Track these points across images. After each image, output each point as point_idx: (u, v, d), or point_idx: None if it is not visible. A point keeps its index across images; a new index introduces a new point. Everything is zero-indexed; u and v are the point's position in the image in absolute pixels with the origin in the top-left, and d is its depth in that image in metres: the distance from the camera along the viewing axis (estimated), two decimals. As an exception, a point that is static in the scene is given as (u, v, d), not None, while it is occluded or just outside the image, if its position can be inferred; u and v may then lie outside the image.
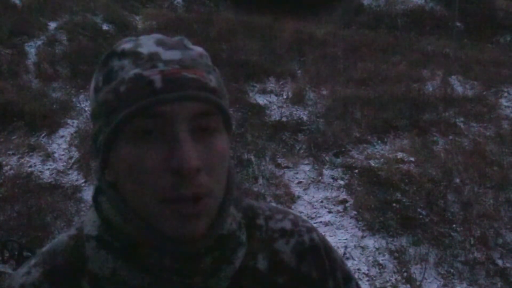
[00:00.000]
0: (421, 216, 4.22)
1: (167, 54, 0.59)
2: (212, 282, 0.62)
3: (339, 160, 5.16)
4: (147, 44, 0.61)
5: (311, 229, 0.77)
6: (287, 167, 5.08)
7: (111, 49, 0.63)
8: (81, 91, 6.56)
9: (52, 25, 8.34)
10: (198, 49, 0.63)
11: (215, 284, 0.62)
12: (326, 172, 4.99)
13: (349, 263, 3.74)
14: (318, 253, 0.74)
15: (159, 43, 0.61)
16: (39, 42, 7.73)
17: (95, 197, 0.66)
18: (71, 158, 5.20)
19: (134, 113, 0.56)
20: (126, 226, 0.61)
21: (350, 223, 4.24)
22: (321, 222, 4.24)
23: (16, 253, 3.18)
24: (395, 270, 3.70)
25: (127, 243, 0.61)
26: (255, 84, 6.87)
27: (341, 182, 4.80)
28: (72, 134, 5.60)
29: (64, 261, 0.66)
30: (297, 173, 5.00)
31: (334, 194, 4.65)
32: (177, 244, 0.58)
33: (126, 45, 0.62)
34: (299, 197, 4.62)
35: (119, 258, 0.61)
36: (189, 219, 0.57)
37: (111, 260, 0.61)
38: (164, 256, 0.60)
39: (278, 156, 5.23)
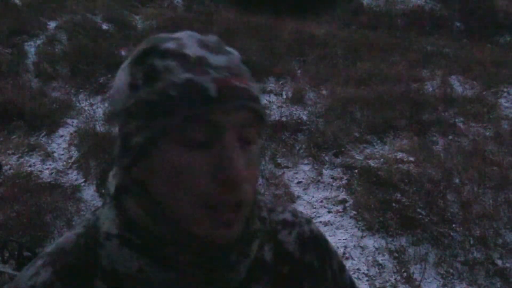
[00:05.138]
0: (420, 216, 4.22)
1: (214, 59, 0.59)
2: (232, 275, 0.63)
3: (338, 160, 5.16)
4: (191, 45, 0.60)
5: (309, 221, 0.81)
6: (287, 167, 5.08)
7: (150, 45, 0.61)
8: (80, 90, 6.56)
9: (52, 24, 8.34)
10: (235, 53, 0.64)
11: (234, 277, 0.64)
12: (326, 172, 4.99)
13: (348, 263, 3.74)
14: (318, 243, 0.78)
15: (202, 45, 0.60)
16: (39, 42, 7.73)
17: (116, 196, 0.64)
18: (70, 157, 5.20)
19: (188, 119, 0.56)
20: (155, 226, 0.61)
21: (349, 223, 4.24)
22: (320, 222, 4.24)
23: (16, 253, 3.17)
24: (395, 270, 3.70)
25: (153, 242, 0.61)
26: (255, 84, 6.87)
27: (341, 182, 4.80)
28: (71, 134, 5.60)
29: (75, 260, 0.65)
30: (296, 173, 5.00)
31: (334, 194, 4.65)
32: (210, 246, 0.60)
33: (168, 44, 0.60)
34: (298, 197, 4.62)
35: (143, 256, 0.60)
36: (227, 225, 0.59)
37: (136, 258, 0.60)
38: (191, 255, 0.61)
39: (277, 156, 5.23)
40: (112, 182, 0.66)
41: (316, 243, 0.78)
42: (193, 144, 0.57)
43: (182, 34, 0.62)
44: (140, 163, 0.60)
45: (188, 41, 0.60)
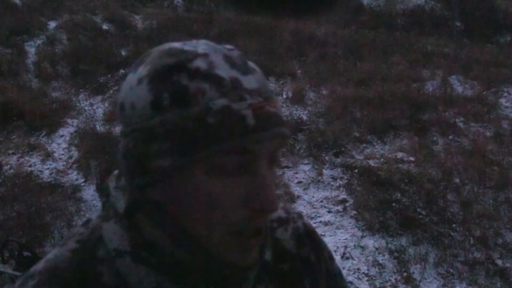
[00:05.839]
0: (421, 216, 4.22)
1: (246, 82, 0.57)
2: (244, 285, 0.64)
3: (339, 160, 5.16)
4: (220, 64, 0.56)
5: (300, 215, 0.80)
6: (287, 166, 5.08)
7: (175, 60, 0.56)
8: (80, 90, 6.56)
9: (52, 24, 8.34)
10: (257, 68, 0.61)
11: (246, 286, 0.64)
12: (326, 172, 4.99)
13: (348, 263, 3.74)
14: (312, 236, 0.78)
15: (230, 62, 0.57)
16: (39, 42, 7.74)
17: (129, 214, 0.61)
18: (70, 157, 5.20)
19: (223, 149, 0.53)
20: (175, 249, 0.59)
21: (349, 223, 4.24)
22: (320, 221, 4.24)
23: (16, 253, 3.17)
24: (395, 270, 3.70)
25: (170, 261, 0.59)
26: (255, 84, 6.87)
27: (341, 182, 4.80)
28: (71, 134, 5.60)
29: (73, 278, 0.61)
30: (297, 172, 5.00)
31: (334, 194, 4.65)
32: (235, 270, 0.60)
33: (198, 62, 0.56)
34: (298, 196, 4.62)
35: (159, 273, 0.59)
36: (251, 248, 0.59)
37: (153, 275, 0.59)
38: (210, 275, 0.60)
39: (278, 155, 5.23)
40: (118, 197, 0.62)
41: (310, 237, 0.78)
42: (226, 171, 0.55)
43: (206, 48, 0.58)
44: (159, 185, 0.57)
45: (216, 58, 0.57)
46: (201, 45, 0.59)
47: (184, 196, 0.56)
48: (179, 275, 0.59)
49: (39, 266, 0.63)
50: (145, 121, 0.56)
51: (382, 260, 3.81)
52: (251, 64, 0.60)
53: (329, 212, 4.40)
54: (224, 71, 0.56)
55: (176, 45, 0.59)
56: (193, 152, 0.53)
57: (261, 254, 0.64)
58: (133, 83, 0.58)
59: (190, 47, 0.58)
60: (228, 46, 0.61)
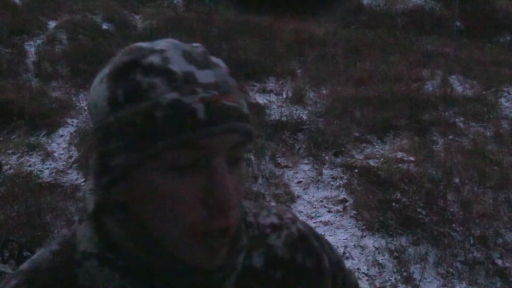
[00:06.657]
0: (420, 216, 4.22)
1: (202, 76, 0.55)
2: None
3: (338, 160, 5.16)
4: (176, 59, 0.55)
5: (294, 220, 0.78)
6: (287, 166, 5.08)
7: (131, 58, 0.56)
8: (80, 90, 6.56)
9: (52, 24, 8.34)
10: (222, 64, 0.59)
11: None
12: (326, 171, 4.99)
13: (348, 263, 3.74)
14: (308, 241, 0.76)
15: (187, 57, 0.56)
16: (39, 41, 7.73)
17: (95, 215, 0.61)
18: (70, 157, 5.20)
19: (174, 144, 0.52)
20: (139, 251, 0.58)
21: (349, 222, 4.24)
22: (320, 221, 4.24)
23: (16, 253, 3.17)
24: (395, 270, 3.70)
25: (135, 264, 0.59)
26: (255, 84, 6.88)
27: (341, 182, 4.81)
28: (71, 133, 5.60)
29: (51, 279, 0.62)
30: (296, 172, 5.00)
31: (334, 193, 4.65)
32: (199, 273, 0.58)
33: (152, 58, 0.55)
34: (298, 196, 4.62)
35: (124, 276, 0.58)
36: (216, 250, 0.57)
37: (118, 278, 0.58)
38: (176, 278, 0.59)
39: (277, 155, 5.23)
40: (90, 199, 0.63)
41: (305, 242, 0.75)
42: (179, 167, 0.54)
43: (166, 45, 0.57)
44: (120, 184, 0.57)
45: (173, 54, 0.56)
46: (162, 43, 0.58)
47: (142, 195, 0.56)
48: (145, 278, 0.58)
49: (24, 265, 0.65)
50: (104, 119, 0.56)
51: (382, 260, 3.81)
52: (215, 60, 0.59)
53: (329, 212, 4.40)
54: (178, 65, 0.55)
55: (139, 44, 0.60)
56: (145, 147, 0.53)
57: (232, 257, 0.62)
58: (97, 83, 0.58)
59: (150, 44, 0.58)
60: (195, 44, 0.60)
